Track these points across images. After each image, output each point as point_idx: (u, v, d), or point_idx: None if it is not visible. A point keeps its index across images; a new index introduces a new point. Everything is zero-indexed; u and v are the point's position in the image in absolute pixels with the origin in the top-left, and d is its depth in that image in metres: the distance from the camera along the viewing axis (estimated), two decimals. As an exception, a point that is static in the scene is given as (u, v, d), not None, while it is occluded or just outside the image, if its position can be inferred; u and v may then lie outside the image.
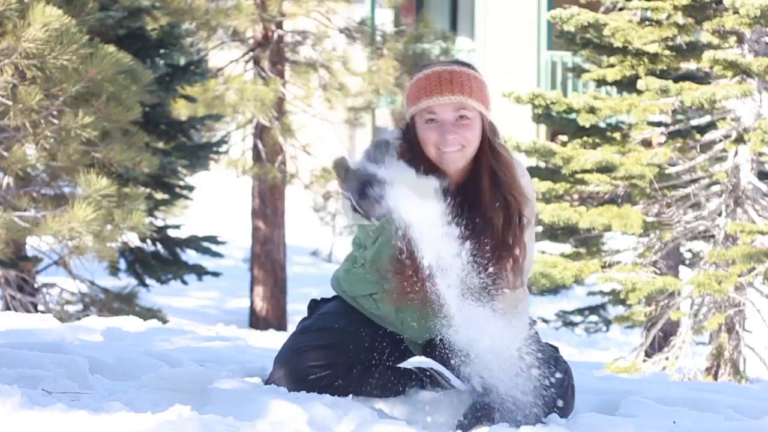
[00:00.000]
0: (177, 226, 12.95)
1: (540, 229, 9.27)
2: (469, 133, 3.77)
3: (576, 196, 9.42)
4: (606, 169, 8.73)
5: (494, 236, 3.77)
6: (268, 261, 15.20)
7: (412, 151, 3.78)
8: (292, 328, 14.46)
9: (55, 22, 7.87)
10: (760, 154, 8.87)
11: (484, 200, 3.79)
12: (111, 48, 8.45)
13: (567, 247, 9.69)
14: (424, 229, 3.58)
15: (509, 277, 3.81)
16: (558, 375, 3.79)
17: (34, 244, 10.48)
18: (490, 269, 3.74)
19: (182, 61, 12.88)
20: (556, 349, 3.98)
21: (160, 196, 12.33)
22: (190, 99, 13.06)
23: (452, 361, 3.78)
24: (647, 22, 9.07)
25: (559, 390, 3.78)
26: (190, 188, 12.66)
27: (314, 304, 4.17)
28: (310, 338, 3.99)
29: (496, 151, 3.83)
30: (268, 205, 15.28)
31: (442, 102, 3.75)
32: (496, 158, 3.82)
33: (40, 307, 10.62)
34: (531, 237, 3.91)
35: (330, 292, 4.22)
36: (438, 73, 3.77)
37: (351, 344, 3.97)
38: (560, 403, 3.80)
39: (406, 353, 4.10)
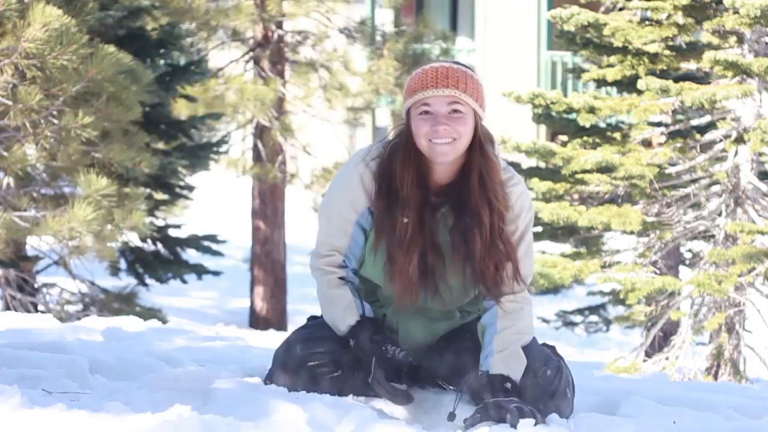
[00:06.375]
0: (177, 226, 12.95)
1: (540, 229, 9.28)
2: (461, 126, 3.81)
3: (576, 197, 9.41)
4: (606, 169, 8.73)
5: (483, 235, 3.81)
6: (268, 261, 15.19)
7: (407, 146, 3.85)
8: (292, 328, 14.46)
9: (55, 22, 7.86)
10: (760, 154, 8.87)
11: (472, 199, 3.83)
12: (111, 48, 8.45)
13: (567, 247, 9.69)
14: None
15: (509, 282, 3.86)
16: (549, 372, 3.82)
17: (34, 244, 10.48)
18: (489, 271, 3.80)
19: (182, 61, 12.88)
20: (553, 348, 4.00)
21: (160, 196, 12.33)
22: (190, 99, 13.07)
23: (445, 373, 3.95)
24: (647, 22, 9.06)
25: (550, 387, 3.81)
26: (190, 188, 12.66)
27: (313, 319, 4.18)
28: (310, 330, 4.01)
29: (486, 154, 3.87)
30: (268, 205, 15.27)
31: (435, 94, 3.80)
32: (485, 160, 3.86)
33: (40, 307, 10.62)
34: (529, 246, 3.94)
35: None
36: (434, 68, 3.85)
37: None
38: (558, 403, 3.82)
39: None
